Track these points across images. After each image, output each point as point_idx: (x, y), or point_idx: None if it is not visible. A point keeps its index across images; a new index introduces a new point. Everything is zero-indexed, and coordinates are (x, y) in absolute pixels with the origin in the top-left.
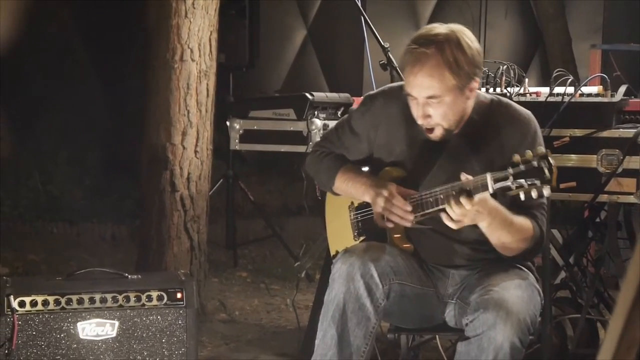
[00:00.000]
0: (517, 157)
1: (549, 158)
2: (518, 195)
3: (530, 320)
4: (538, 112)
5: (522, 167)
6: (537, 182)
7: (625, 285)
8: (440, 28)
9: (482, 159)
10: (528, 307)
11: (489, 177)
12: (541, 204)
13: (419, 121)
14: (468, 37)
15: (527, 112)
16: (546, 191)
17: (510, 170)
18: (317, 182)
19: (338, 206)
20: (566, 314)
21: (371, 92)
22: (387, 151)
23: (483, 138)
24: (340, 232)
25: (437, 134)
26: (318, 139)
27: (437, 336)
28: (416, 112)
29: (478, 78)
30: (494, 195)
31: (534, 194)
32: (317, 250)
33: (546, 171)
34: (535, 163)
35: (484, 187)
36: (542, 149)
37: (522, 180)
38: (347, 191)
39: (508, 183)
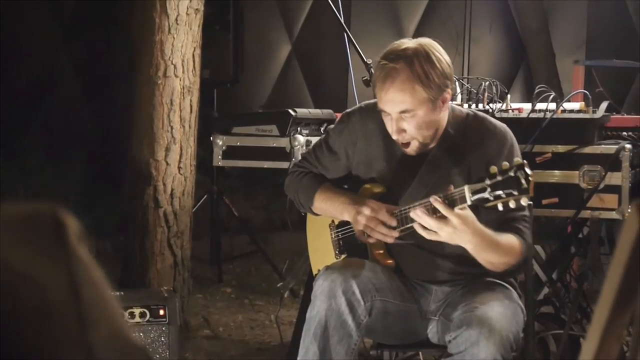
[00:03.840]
0: (493, 169)
1: (525, 168)
2: (496, 206)
3: (513, 337)
4: (520, 128)
5: (499, 177)
6: (515, 192)
7: (600, 302)
8: (408, 43)
9: (460, 172)
10: (511, 323)
11: (466, 189)
12: (524, 217)
13: (394, 136)
14: (437, 49)
15: (502, 125)
16: (524, 201)
17: (488, 182)
18: (296, 203)
19: (319, 225)
20: (549, 330)
21: (348, 110)
22: (366, 167)
23: (461, 151)
24: (321, 251)
25: (413, 148)
26: (300, 155)
27: (420, 352)
28: (390, 127)
29: (450, 90)
30: (474, 208)
31: (512, 204)
32: (300, 269)
33: (523, 181)
34: (511, 173)
35: (462, 200)
36: (518, 159)
37: (500, 192)
38: (327, 211)
39: (485, 194)
